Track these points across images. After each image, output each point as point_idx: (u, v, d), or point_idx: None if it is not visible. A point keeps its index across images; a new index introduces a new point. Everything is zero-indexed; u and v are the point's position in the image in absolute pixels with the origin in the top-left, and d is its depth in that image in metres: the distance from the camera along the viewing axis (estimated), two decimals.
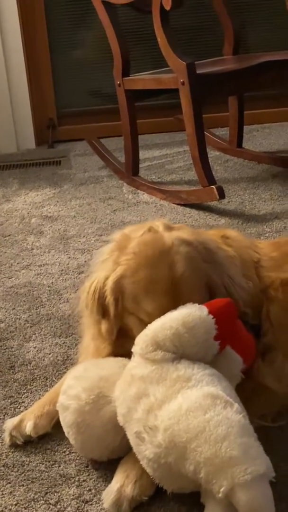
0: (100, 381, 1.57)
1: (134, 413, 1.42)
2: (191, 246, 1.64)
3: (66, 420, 1.58)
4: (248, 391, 1.66)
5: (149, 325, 1.53)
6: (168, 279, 1.58)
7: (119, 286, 1.62)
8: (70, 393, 1.58)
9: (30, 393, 1.91)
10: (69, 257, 2.81)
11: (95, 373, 1.60)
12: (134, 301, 1.60)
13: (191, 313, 1.50)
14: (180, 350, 1.48)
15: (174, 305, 1.55)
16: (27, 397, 1.90)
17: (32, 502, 1.51)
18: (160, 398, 1.40)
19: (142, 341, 1.51)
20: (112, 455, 1.56)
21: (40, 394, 1.89)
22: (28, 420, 1.70)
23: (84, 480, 1.56)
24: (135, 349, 1.52)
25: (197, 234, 1.72)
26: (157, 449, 1.36)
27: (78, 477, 1.57)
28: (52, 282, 2.59)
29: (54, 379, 1.97)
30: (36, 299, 2.47)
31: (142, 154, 3.89)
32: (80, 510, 1.48)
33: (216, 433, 1.30)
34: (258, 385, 1.70)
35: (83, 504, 1.49)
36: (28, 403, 1.86)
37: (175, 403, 1.38)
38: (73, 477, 1.57)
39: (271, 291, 1.79)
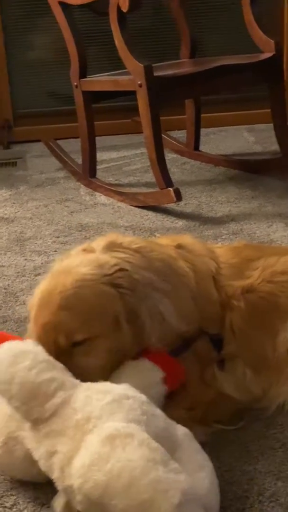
0: (8, 420, 1.51)
1: (53, 472, 1.38)
2: (100, 269, 1.60)
3: None
4: (208, 401, 1.68)
5: None
6: (48, 295, 1.58)
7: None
8: None
9: None
10: (26, 259, 2.79)
11: (3, 412, 1.53)
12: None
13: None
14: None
15: (48, 319, 1.56)
16: None
17: None
18: (68, 454, 1.35)
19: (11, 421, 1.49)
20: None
21: None
22: None
23: (40, 483, 1.54)
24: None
25: (140, 258, 1.67)
26: (80, 505, 1.34)
27: None
28: (8, 284, 2.57)
29: None
30: None
31: (100, 156, 3.89)
32: None
33: (121, 482, 1.26)
34: (217, 394, 1.71)
35: (40, 507, 1.48)
36: None
37: (79, 459, 1.33)
38: (29, 480, 1.55)
39: (233, 301, 1.77)
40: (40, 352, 1.50)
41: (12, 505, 1.49)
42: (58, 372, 1.47)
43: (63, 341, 1.55)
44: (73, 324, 1.56)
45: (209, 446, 1.59)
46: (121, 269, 1.61)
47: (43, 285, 1.64)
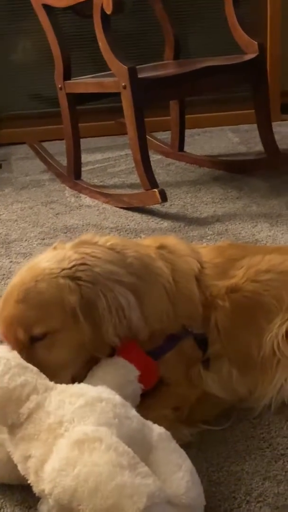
0: None
1: (29, 476, 1.39)
2: (60, 263, 1.61)
3: None
4: (193, 401, 1.68)
5: None
6: (11, 290, 1.62)
7: None
8: None
9: None
10: (11, 261, 2.79)
11: None
12: None
13: None
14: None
15: (8, 312, 1.59)
16: None
17: None
18: (40, 458, 1.36)
19: None
20: None
21: None
22: None
23: (28, 486, 1.53)
24: None
25: (110, 253, 1.67)
26: (54, 510, 1.35)
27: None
28: None
29: None
30: None
31: (84, 158, 3.88)
32: None
33: (88, 487, 1.26)
34: (203, 393, 1.71)
35: (27, 510, 1.48)
36: None
37: (50, 463, 1.33)
38: (16, 483, 1.55)
39: (218, 301, 1.77)
40: (11, 357, 1.49)
41: (0, 508, 1.49)
42: (31, 375, 1.47)
43: (22, 334, 1.56)
44: (30, 316, 1.57)
45: (196, 446, 1.60)
46: (82, 263, 1.61)
47: (11, 281, 1.67)
